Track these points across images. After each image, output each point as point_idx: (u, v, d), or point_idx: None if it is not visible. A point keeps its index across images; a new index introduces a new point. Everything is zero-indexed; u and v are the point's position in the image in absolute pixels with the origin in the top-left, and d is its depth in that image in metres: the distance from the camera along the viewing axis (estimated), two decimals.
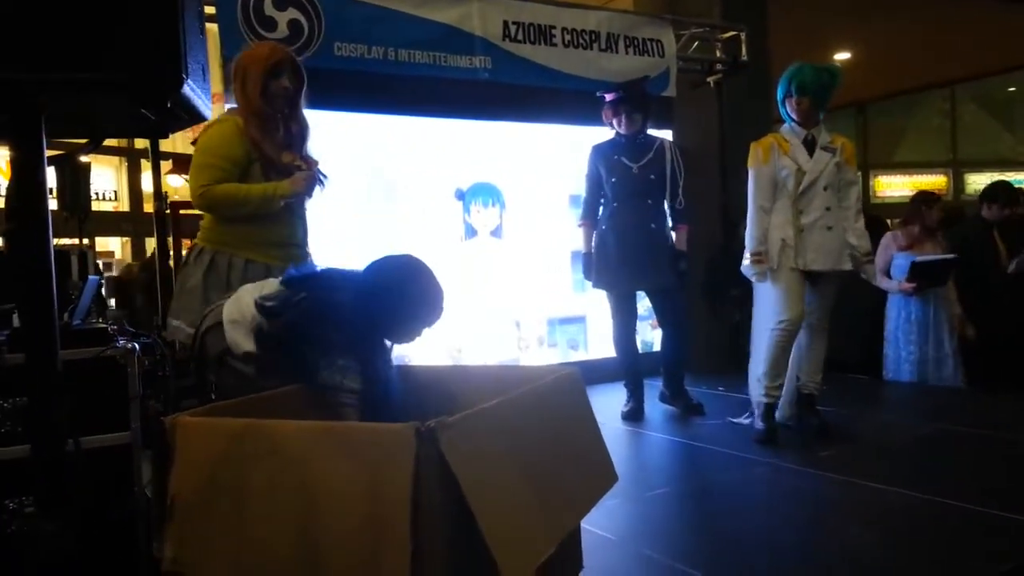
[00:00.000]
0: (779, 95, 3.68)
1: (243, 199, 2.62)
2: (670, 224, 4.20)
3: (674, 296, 4.19)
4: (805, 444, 3.48)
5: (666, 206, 4.19)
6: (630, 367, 4.28)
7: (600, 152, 4.21)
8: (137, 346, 2.59)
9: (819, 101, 3.58)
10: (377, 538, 1.20)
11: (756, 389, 3.64)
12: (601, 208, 4.22)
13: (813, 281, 3.60)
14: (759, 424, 3.60)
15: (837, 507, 2.79)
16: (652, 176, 4.11)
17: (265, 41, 2.90)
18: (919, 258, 4.58)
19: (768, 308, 3.68)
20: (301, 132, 2.79)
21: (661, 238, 4.14)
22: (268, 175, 2.66)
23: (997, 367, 4.69)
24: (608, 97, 4.20)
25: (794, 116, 3.60)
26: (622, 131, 4.15)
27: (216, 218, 2.71)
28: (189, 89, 1.14)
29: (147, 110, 1.13)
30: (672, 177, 4.16)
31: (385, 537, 1.19)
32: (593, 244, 4.22)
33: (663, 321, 4.25)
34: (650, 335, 5.33)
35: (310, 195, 2.74)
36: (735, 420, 3.94)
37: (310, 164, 2.74)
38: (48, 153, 1.27)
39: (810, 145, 3.58)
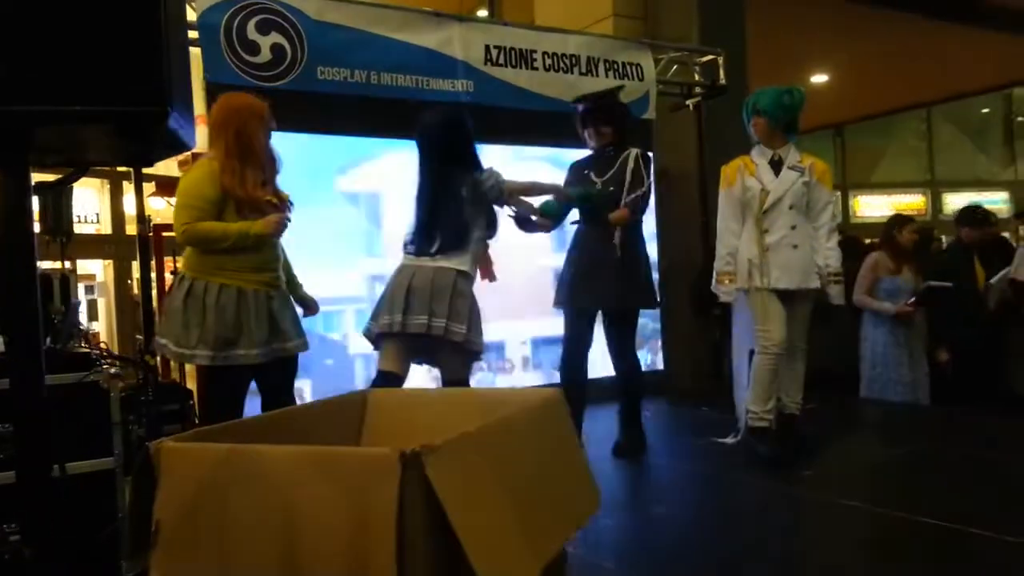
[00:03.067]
0: (744, 119, 3.76)
1: (220, 236, 2.88)
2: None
3: (630, 321, 3.92)
4: (787, 464, 3.50)
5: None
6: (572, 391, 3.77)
7: (574, 168, 4.08)
8: (119, 371, 2.60)
9: (779, 122, 3.63)
10: (362, 563, 1.20)
11: (748, 415, 3.64)
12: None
13: (785, 301, 3.60)
14: (760, 449, 3.57)
15: (820, 527, 2.81)
16: (612, 188, 3.82)
17: (243, 92, 3.11)
18: (932, 282, 4.65)
19: (747, 331, 3.72)
20: (275, 167, 3.09)
21: (624, 254, 3.77)
22: (242, 211, 2.93)
23: (970, 388, 4.75)
24: (579, 108, 4.04)
25: (757, 137, 3.69)
26: (591, 144, 3.98)
27: (195, 250, 2.96)
28: (174, 120, 1.16)
29: (132, 141, 1.15)
30: (630, 184, 3.80)
31: (370, 562, 1.19)
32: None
33: (613, 346, 3.91)
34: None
35: (279, 235, 3.02)
36: (720, 440, 3.96)
37: (283, 204, 3.06)
38: (33, 179, 1.29)
39: (776, 165, 3.63)
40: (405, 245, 3.24)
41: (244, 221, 2.91)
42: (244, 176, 2.91)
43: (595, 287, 3.75)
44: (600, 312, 3.88)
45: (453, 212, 3.14)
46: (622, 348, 3.90)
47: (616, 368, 3.92)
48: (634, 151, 3.91)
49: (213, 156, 2.96)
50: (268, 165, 3.04)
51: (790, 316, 3.60)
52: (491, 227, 3.26)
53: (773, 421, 3.63)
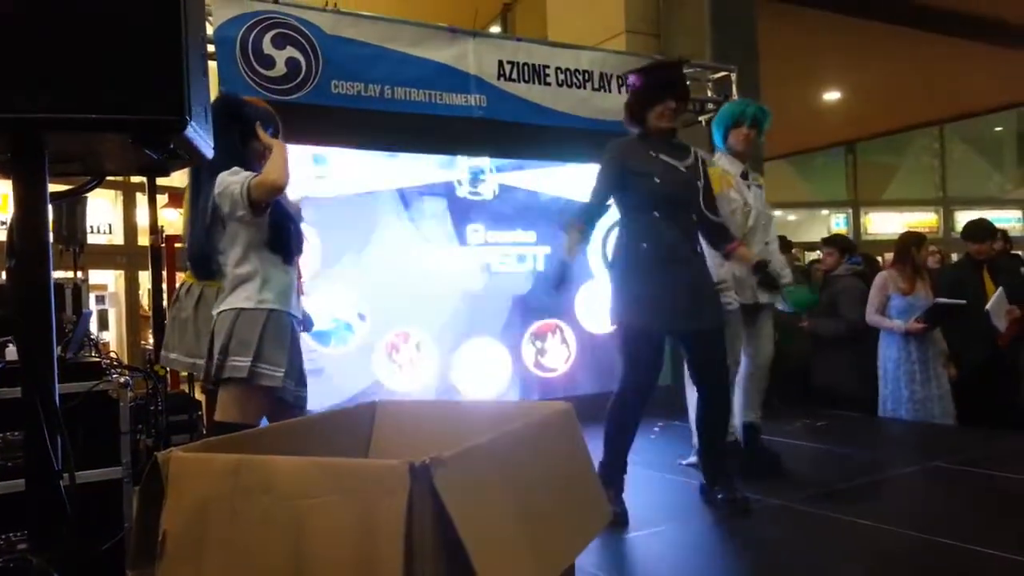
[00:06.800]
0: (724, 125, 3.69)
1: None
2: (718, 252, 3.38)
3: (720, 341, 3.21)
4: (798, 481, 3.47)
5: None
6: (622, 449, 3.20)
7: (629, 148, 3.17)
8: (130, 380, 2.61)
9: (759, 137, 3.66)
10: (370, 574, 1.20)
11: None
12: (619, 220, 3.27)
13: (752, 315, 3.62)
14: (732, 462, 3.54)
15: (831, 546, 2.78)
16: (699, 183, 3.20)
17: (253, 97, 3.05)
18: (940, 300, 4.61)
19: None
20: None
21: (705, 264, 3.25)
22: None
23: (984, 404, 4.70)
24: (635, 82, 3.22)
25: (739, 147, 3.64)
26: (661, 124, 3.13)
27: None
28: (192, 131, 1.17)
29: (150, 151, 1.16)
30: (713, 195, 3.31)
31: (378, 573, 1.19)
32: (616, 268, 3.21)
33: (705, 373, 3.20)
34: None
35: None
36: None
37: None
38: (50, 189, 1.29)
39: (744, 179, 3.63)
40: None
41: None
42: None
43: (687, 306, 3.10)
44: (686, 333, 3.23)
45: (197, 234, 2.67)
46: (721, 371, 3.29)
47: (708, 398, 3.23)
48: (700, 151, 3.36)
49: None
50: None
51: (760, 330, 3.66)
52: (277, 244, 2.62)
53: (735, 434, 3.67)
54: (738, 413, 3.69)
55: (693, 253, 3.16)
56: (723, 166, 3.60)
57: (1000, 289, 4.66)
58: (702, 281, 3.15)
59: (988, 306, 4.57)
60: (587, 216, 3.18)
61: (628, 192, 3.15)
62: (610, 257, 3.34)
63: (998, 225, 5.37)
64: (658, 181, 3.06)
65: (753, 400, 3.72)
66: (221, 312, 2.58)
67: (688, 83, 3.46)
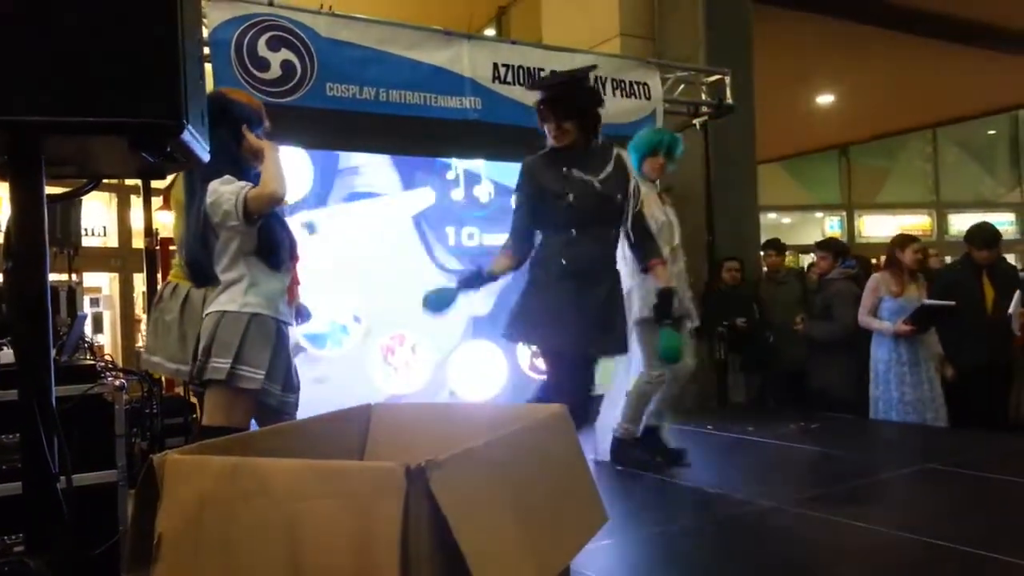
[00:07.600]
0: (640, 153, 3.81)
1: None
2: (639, 264, 3.42)
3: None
4: (793, 483, 3.48)
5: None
6: None
7: (540, 165, 3.15)
8: (125, 383, 2.61)
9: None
10: None
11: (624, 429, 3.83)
12: (539, 238, 3.15)
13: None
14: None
15: (825, 548, 2.78)
16: (618, 196, 3.13)
17: (237, 90, 2.99)
18: (927, 301, 4.62)
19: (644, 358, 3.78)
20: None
21: (619, 282, 3.27)
22: None
23: (977, 407, 4.71)
24: (538, 97, 3.19)
25: (652, 175, 3.82)
26: (557, 143, 3.13)
27: None
28: (188, 134, 1.17)
29: (146, 154, 1.16)
30: (635, 198, 3.22)
31: None
32: (530, 283, 3.13)
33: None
34: None
35: None
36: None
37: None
38: (47, 191, 1.30)
39: (661, 201, 3.81)
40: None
41: None
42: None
43: (607, 329, 3.15)
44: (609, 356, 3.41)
45: (191, 240, 2.63)
46: None
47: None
48: (623, 152, 3.30)
49: None
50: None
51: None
52: (265, 251, 2.55)
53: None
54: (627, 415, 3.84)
55: (608, 271, 3.13)
56: (645, 189, 3.70)
57: (1018, 293, 4.67)
58: (612, 303, 3.13)
59: (1010, 310, 4.59)
60: (516, 243, 3.15)
61: (545, 209, 3.09)
62: (528, 270, 3.16)
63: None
64: (572, 198, 3.03)
65: (663, 405, 3.89)
66: (208, 314, 2.56)
67: (587, 96, 3.23)
